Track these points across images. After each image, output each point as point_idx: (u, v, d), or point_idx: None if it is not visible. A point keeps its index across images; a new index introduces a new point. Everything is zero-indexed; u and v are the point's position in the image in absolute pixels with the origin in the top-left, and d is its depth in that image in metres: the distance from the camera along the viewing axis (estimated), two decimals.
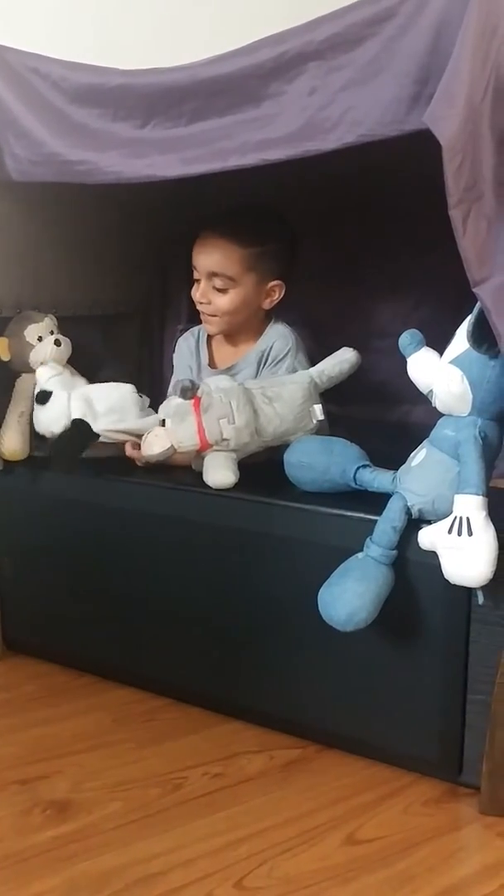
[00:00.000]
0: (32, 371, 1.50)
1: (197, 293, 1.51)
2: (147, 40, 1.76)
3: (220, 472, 1.30)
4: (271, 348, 1.50)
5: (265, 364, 1.50)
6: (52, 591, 1.50)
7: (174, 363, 1.67)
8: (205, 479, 1.31)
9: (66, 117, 1.30)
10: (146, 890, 1.01)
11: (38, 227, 1.54)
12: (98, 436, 1.40)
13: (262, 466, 1.36)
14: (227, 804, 1.17)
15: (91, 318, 1.71)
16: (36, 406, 1.47)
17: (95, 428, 1.40)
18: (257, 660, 1.31)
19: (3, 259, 1.50)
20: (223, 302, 1.49)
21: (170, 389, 1.58)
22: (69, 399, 1.45)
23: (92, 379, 1.56)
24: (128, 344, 1.87)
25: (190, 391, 1.32)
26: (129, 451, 1.42)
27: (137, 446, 1.40)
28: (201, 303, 1.51)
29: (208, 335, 1.61)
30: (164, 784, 1.21)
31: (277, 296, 1.50)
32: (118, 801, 1.17)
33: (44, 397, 1.46)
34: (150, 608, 1.39)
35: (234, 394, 1.35)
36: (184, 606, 1.35)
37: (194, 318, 1.66)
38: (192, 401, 1.33)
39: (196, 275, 1.51)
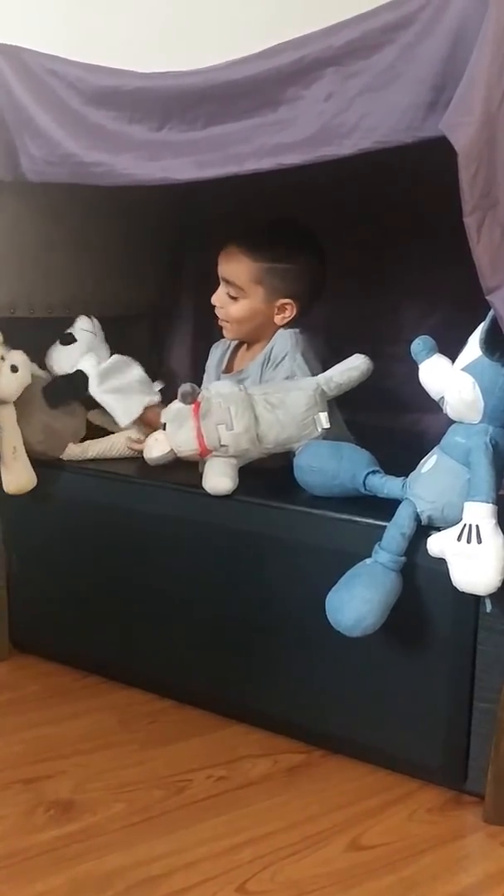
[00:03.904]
0: (8, 402, 1.44)
1: (214, 295, 1.53)
2: (164, 43, 1.76)
3: (217, 479, 1.30)
4: (272, 351, 1.50)
5: (266, 366, 1.51)
6: (58, 591, 1.50)
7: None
8: (203, 484, 1.30)
9: (83, 119, 1.31)
10: (148, 892, 1.01)
11: (50, 228, 1.55)
12: (86, 392, 1.51)
13: (273, 470, 1.36)
14: (231, 807, 1.16)
15: (102, 318, 1.71)
16: (57, 345, 1.57)
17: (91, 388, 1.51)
18: (263, 663, 1.31)
19: (16, 259, 1.50)
20: (233, 309, 1.51)
21: None
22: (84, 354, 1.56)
23: None
24: (139, 345, 1.87)
25: (190, 395, 1.31)
26: (130, 444, 1.49)
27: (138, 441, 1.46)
28: (216, 306, 1.53)
29: (237, 344, 1.62)
30: (167, 786, 1.20)
31: (290, 314, 1.50)
32: (122, 802, 1.17)
33: (67, 340, 1.56)
34: (157, 610, 1.39)
35: (234, 399, 1.34)
36: (190, 608, 1.35)
37: (203, 321, 1.67)
38: (192, 405, 1.33)
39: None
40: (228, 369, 1.61)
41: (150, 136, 1.27)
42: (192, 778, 1.22)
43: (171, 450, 1.35)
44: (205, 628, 1.35)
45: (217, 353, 1.65)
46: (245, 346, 1.60)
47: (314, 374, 1.45)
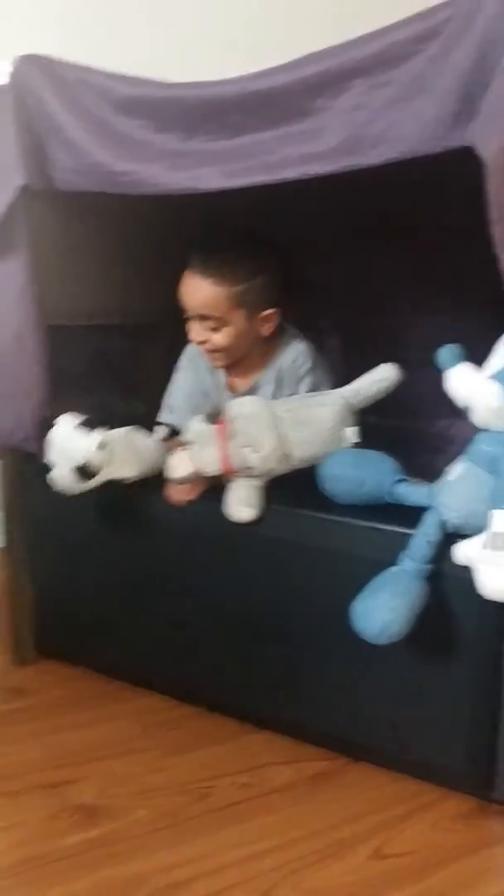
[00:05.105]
0: None
1: (192, 333, 1.49)
2: (193, 53, 1.78)
3: (240, 509, 1.28)
4: (293, 363, 1.49)
5: (286, 381, 1.49)
6: (83, 596, 1.51)
7: (176, 378, 1.61)
8: (225, 509, 1.29)
9: (111, 128, 1.32)
10: None
11: (75, 237, 1.55)
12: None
13: (298, 477, 1.36)
14: (255, 815, 1.16)
15: (124, 327, 1.72)
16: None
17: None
18: (287, 671, 1.30)
19: (40, 268, 1.51)
20: (218, 339, 1.46)
21: (165, 407, 1.57)
22: None
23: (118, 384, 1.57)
24: (159, 353, 1.87)
25: (214, 416, 1.31)
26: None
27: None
28: (200, 342, 1.48)
29: None
30: (191, 792, 1.21)
31: (274, 321, 1.48)
32: (145, 808, 1.17)
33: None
34: (181, 615, 1.39)
35: (260, 420, 1.32)
36: (215, 615, 1.35)
37: None
38: (216, 426, 1.31)
39: (187, 314, 1.48)
40: (231, 387, 1.57)
41: (178, 146, 1.27)
42: (215, 784, 1.23)
43: (196, 470, 1.32)
44: (229, 635, 1.35)
45: (193, 366, 1.58)
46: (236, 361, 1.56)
47: (329, 385, 1.44)
